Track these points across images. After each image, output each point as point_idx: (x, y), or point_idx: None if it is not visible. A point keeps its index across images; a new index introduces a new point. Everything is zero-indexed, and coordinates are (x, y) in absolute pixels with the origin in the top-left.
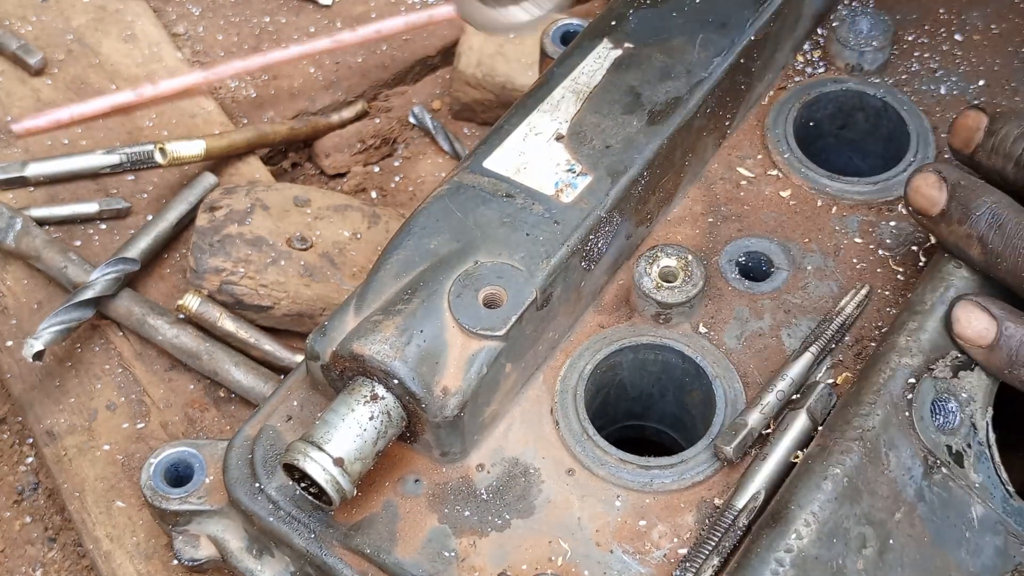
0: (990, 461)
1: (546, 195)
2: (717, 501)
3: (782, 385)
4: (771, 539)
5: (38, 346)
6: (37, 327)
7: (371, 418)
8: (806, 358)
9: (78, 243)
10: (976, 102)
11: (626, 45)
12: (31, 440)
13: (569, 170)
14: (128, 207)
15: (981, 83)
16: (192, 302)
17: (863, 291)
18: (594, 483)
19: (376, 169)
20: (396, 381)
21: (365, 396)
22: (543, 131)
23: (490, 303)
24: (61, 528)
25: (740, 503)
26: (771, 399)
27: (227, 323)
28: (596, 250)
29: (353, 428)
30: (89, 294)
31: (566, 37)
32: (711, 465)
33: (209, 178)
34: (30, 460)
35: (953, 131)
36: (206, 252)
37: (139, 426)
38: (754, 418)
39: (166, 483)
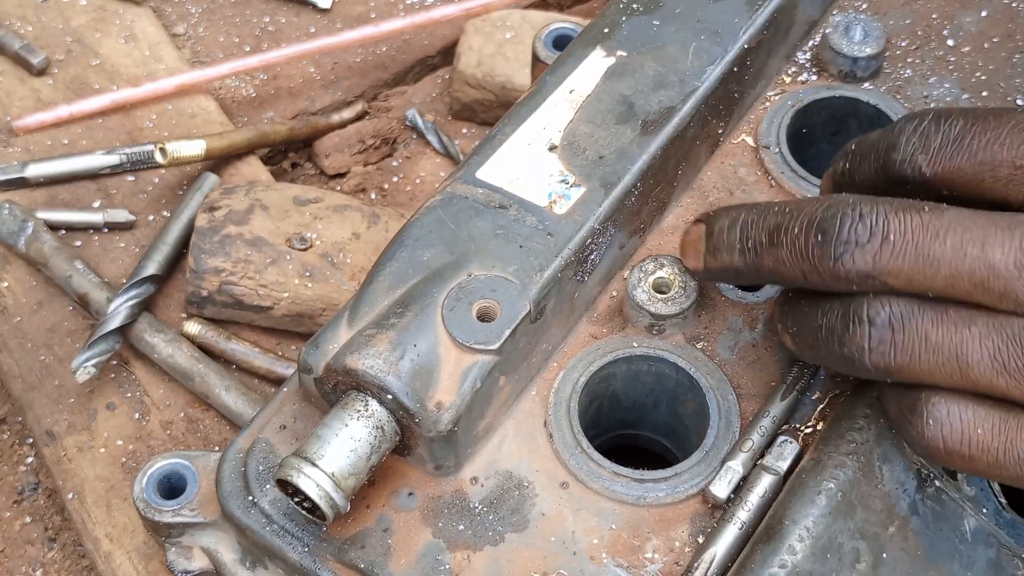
0: None
1: (539, 206)
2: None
3: (765, 422)
4: (765, 555)
5: (94, 371)
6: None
7: (365, 433)
8: (792, 396)
9: (78, 243)
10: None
11: (619, 53)
12: (31, 440)
13: (562, 181)
14: (133, 220)
15: (974, 89)
16: (193, 328)
17: None
18: (588, 497)
19: (376, 169)
20: (390, 396)
21: (359, 411)
22: (536, 141)
23: (484, 316)
24: (61, 528)
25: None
26: (756, 439)
27: (230, 344)
28: (590, 261)
29: (347, 443)
30: (115, 323)
31: (559, 41)
32: (704, 478)
33: (212, 179)
34: (30, 460)
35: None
36: (205, 252)
37: (140, 426)
38: (742, 461)
39: (159, 495)
